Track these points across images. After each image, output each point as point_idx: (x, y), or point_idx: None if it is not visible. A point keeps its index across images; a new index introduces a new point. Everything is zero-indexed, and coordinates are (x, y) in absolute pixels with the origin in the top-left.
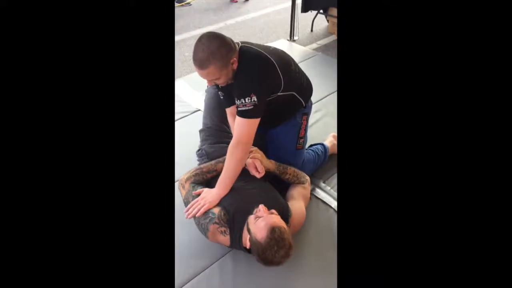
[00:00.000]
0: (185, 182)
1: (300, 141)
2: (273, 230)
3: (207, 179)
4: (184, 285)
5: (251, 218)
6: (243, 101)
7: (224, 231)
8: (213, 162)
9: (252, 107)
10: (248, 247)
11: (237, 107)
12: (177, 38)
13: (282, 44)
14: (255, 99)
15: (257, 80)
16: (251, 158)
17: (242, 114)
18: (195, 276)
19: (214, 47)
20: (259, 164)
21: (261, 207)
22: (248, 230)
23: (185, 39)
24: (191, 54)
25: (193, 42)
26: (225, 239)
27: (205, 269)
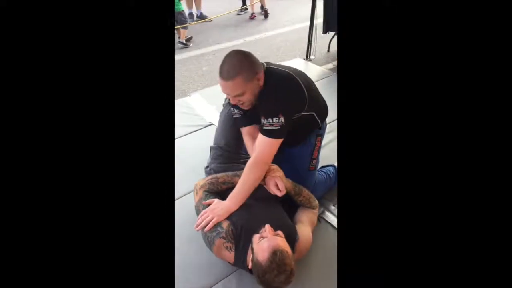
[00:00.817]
0: (199, 189)
1: (313, 162)
2: (275, 253)
3: (221, 190)
4: None
5: (255, 237)
6: (271, 121)
7: (230, 247)
8: (230, 173)
9: (279, 127)
10: (249, 267)
11: (263, 125)
12: (196, 52)
13: (298, 63)
14: (283, 120)
15: (286, 100)
16: (272, 176)
17: (268, 133)
18: None
19: (241, 58)
20: (280, 183)
21: (267, 227)
22: (252, 250)
23: (204, 53)
24: (209, 68)
25: (211, 57)
26: (230, 255)
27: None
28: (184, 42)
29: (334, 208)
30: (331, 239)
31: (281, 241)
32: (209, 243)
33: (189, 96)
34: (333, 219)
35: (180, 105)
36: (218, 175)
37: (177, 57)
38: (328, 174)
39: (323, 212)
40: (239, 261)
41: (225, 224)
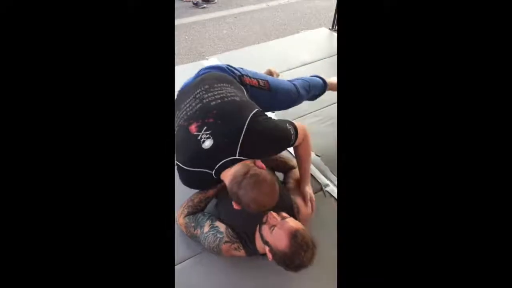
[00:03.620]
0: (179, 216)
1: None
2: (295, 236)
3: (202, 208)
4: (184, 261)
5: (265, 229)
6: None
7: (238, 247)
8: (202, 191)
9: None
10: (270, 259)
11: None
12: (217, 14)
13: (322, 33)
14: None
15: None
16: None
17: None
18: (195, 255)
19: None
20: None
21: (270, 214)
22: (266, 242)
23: (225, 16)
24: (229, 32)
25: (232, 20)
26: (241, 253)
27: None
28: (195, 2)
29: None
30: (335, 213)
31: (292, 222)
32: (217, 253)
33: (207, 59)
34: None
35: (196, 68)
36: (192, 196)
37: (197, 18)
38: (295, 85)
39: (327, 186)
40: (252, 254)
41: (223, 228)
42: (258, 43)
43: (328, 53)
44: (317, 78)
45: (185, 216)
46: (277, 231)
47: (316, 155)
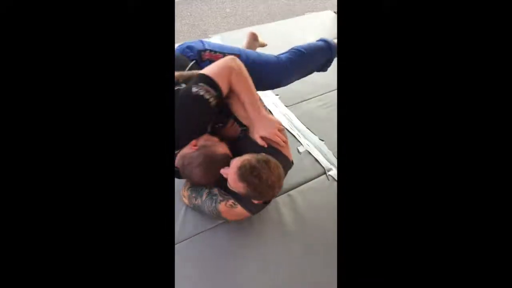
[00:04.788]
0: (184, 190)
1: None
2: (240, 174)
3: None
4: (183, 241)
5: (228, 185)
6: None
7: (233, 203)
8: None
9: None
10: (256, 202)
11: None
12: None
13: (328, 16)
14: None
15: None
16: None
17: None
18: (195, 235)
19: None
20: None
21: (222, 171)
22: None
23: None
24: (233, 11)
25: None
26: (240, 209)
27: (209, 229)
28: None
29: None
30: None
31: (235, 164)
32: (216, 215)
33: (210, 37)
34: None
35: None
36: None
37: None
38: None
39: (330, 170)
40: (252, 208)
41: (216, 189)
42: (263, 23)
43: (334, 36)
44: (319, 43)
45: (188, 188)
46: (229, 180)
47: (320, 139)
